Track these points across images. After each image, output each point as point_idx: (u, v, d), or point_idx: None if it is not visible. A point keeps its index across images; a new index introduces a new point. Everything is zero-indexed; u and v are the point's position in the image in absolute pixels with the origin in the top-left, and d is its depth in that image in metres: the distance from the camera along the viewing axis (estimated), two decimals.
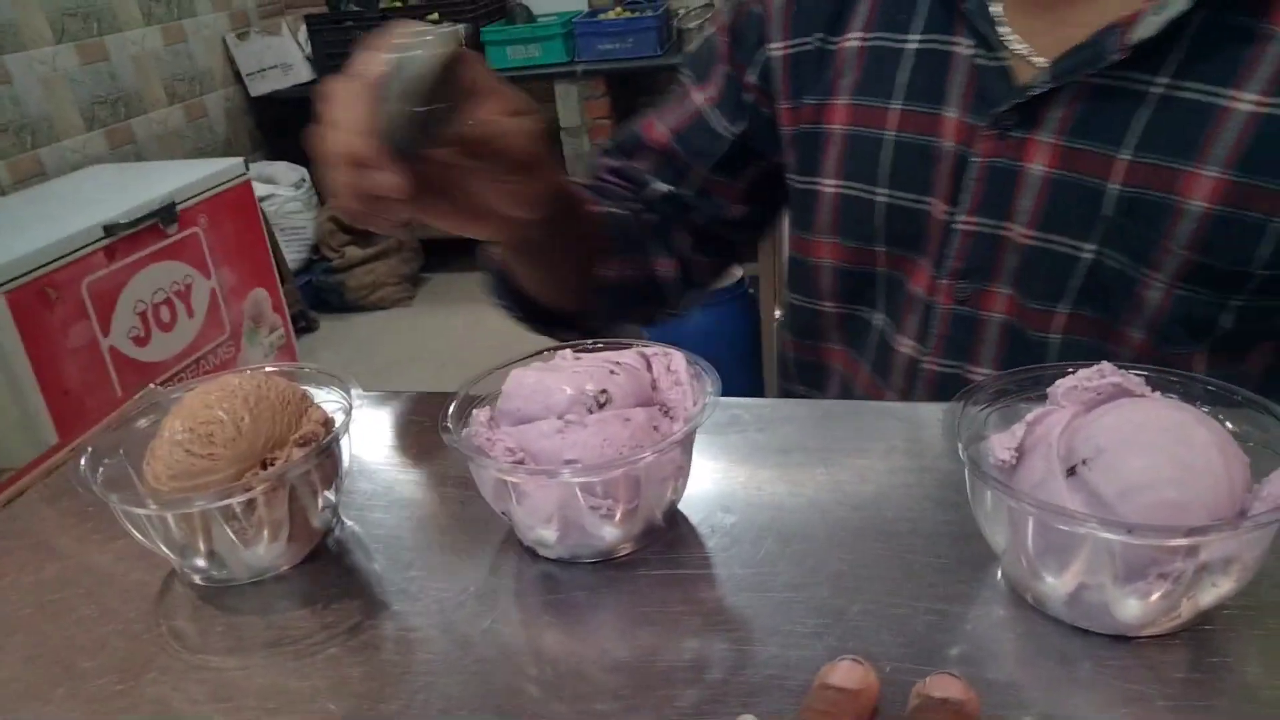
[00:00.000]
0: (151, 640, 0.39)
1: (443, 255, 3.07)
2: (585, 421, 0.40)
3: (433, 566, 0.42)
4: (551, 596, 0.40)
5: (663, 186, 0.72)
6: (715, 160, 0.70)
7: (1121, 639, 0.34)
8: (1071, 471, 0.34)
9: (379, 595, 0.40)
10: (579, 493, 0.39)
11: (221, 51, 2.87)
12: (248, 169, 2.26)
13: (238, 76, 2.90)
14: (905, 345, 0.63)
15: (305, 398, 0.45)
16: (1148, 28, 0.50)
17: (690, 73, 0.72)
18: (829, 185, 0.64)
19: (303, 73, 2.98)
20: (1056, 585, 0.34)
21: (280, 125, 2.97)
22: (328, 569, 0.42)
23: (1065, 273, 0.56)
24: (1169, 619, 0.34)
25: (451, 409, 0.42)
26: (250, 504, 0.40)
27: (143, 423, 0.56)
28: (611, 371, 0.42)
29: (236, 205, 2.21)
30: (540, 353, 0.45)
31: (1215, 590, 0.33)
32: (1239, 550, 0.32)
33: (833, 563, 0.40)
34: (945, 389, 0.61)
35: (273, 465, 0.41)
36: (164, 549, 0.41)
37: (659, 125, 0.72)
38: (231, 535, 0.40)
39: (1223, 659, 0.34)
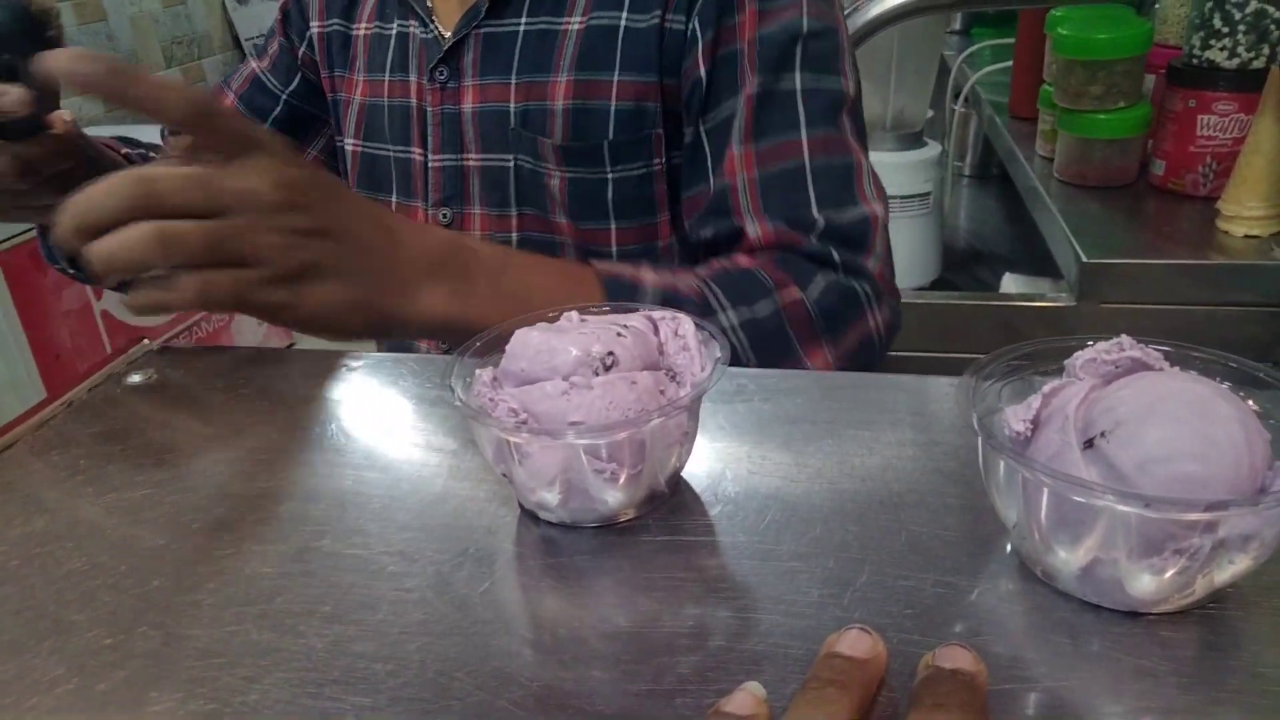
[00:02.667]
0: (142, 595, 0.38)
1: None
2: (591, 383, 0.39)
3: (430, 528, 0.41)
4: (551, 560, 0.39)
5: None
6: (273, 117, 0.84)
7: (1133, 615, 0.34)
8: (1089, 444, 0.33)
9: (375, 555, 0.40)
10: (583, 455, 0.38)
11: (221, 15, 2.83)
12: None
13: (236, 41, 2.86)
14: None
15: None
16: None
17: (254, 52, 0.87)
18: (350, 145, 0.80)
19: None
20: (1069, 559, 0.34)
21: None
22: (320, 527, 0.42)
23: (503, 183, 0.72)
24: (1183, 596, 0.33)
25: (455, 368, 0.41)
26: None
27: (135, 378, 0.55)
28: (619, 334, 0.41)
29: None
30: (545, 314, 0.44)
31: (1232, 568, 0.32)
32: (1258, 528, 0.31)
33: (838, 533, 0.39)
34: None
35: None
36: None
37: (226, 92, 0.86)
38: None
39: (1235, 638, 0.33)
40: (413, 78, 0.75)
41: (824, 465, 0.43)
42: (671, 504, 0.41)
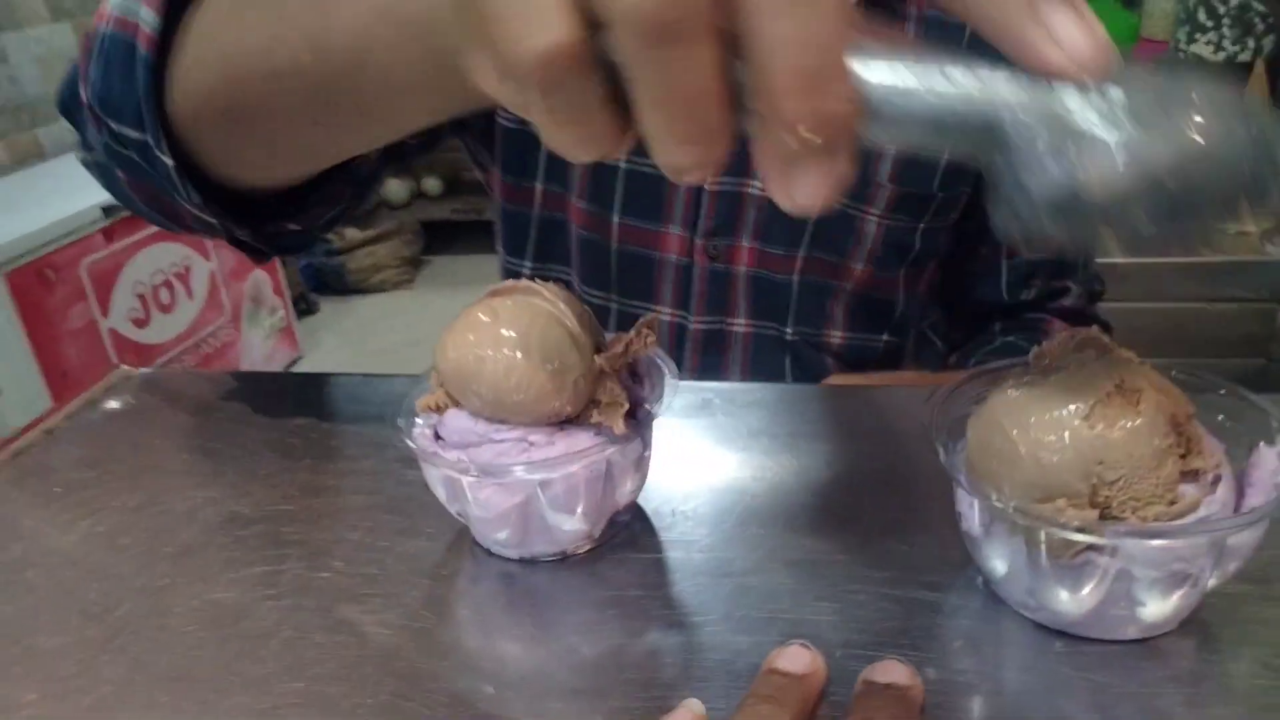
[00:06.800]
0: (112, 621, 0.39)
1: (444, 238, 3.06)
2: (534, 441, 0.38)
3: (394, 550, 0.42)
4: (508, 579, 0.39)
5: None
6: None
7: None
8: None
9: (339, 577, 0.40)
10: (539, 492, 0.38)
11: None
12: None
13: None
14: (666, 314, 0.68)
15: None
16: None
17: None
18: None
19: None
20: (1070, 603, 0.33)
21: None
22: (285, 551, 0.42)
23: (800, 219, 0.65)
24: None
25: (404, 406, 0.41)
26: None
27: (113, 404, 0.56)
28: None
29: None
30: None
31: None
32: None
33: (791, 549, 0.39)
34: (709, 347, 0.69)
35: None
36: None
37: None
38: None
39: (1207, 651, 0.33)
40: None
41: (782, 480, 0.44)
42: (627, 521, 0.42)
